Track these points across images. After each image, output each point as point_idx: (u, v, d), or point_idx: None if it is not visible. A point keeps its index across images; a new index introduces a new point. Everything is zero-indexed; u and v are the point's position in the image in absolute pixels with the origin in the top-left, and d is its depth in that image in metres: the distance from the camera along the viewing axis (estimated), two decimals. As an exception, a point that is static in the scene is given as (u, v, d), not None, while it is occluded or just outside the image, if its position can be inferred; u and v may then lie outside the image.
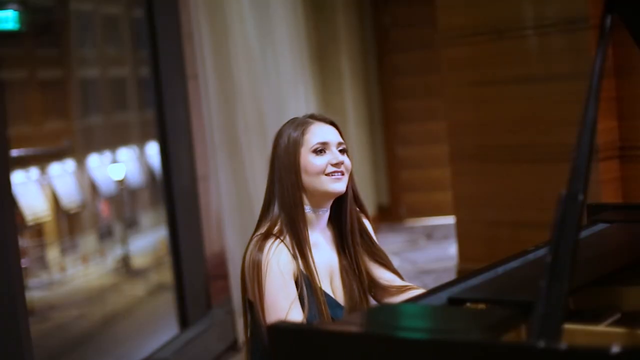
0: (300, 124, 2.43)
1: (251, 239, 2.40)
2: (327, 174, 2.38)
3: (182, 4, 5.18)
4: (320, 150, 2.38)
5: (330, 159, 2.38)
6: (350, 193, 2.46)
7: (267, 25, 5.57)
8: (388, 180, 8.69)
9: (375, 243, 2.55)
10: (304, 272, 2.35)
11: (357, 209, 2.52)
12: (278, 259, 2.32)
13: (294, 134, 2.40)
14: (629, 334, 1.79)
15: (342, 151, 2.42)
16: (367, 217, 2.56)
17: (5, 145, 3.38)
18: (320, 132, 2.40)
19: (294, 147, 2.38)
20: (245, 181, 5.21)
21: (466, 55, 4.82)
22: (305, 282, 2.35)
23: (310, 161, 2.37)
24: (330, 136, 2.40)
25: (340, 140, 2.42)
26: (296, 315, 2.30)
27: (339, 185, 2.39)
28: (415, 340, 1.64)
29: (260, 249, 2.33)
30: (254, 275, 2.32)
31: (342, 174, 2.39)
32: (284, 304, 2.29)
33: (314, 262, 2.37)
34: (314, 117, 2.45)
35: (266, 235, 2.36)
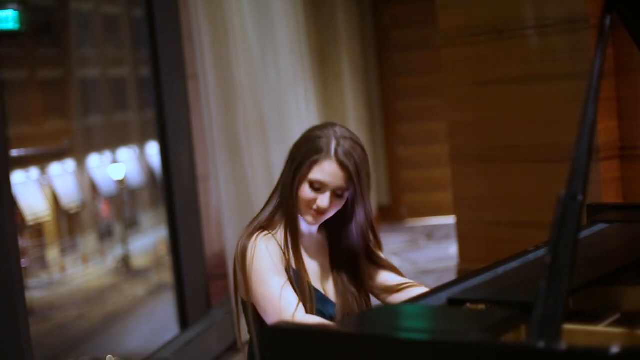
0: (323, 148, 2.38)
1: (242, 232, 2.45)
2: (309, 207, 2.39)
3: (182, 4, 5.18)
4: (316, 187, 2.38)
5: (319, 199, 2.38)
6: (359, 220, 2.44)
7: (267, 25, 5.56)
8: (388, 180, 8.69)
9: (380, 259, 2.55)
10: (294, 266, 2.39)
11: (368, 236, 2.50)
12: (267, 244, 2.38)
13: (313, 153, 2.38)
14: (628, 334, 1.79)
15: (338, 195, 2.40)
16: (379, 251, 2.55)
17: (5, 145, 3.38)
18: (328, 173, 2.38)
19: (305, 167, 2.38)
20: (245, 181, 5.21)
21: (466, 55, 4.82)
22: (294, 276, 2.37)
23: (303, 189, 2.39)
24: (333, 180, 2.38)
25: (342, 186, 2.39)
26: (289, 295, 2.32)
27: (312, 221, 2.42)
28: (415, 341, 1.64)
29: (249, 237, 2.40)
30: (242, 260, 2.37)
31: (321, 215, 2.40)
32: (275, 284, 2.33)
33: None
34: (337, 153, 2.38)
35: (256, 229, 2.42)
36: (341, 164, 2.38)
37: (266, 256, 2.35)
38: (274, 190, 2.49)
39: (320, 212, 2.39)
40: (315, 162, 2.37)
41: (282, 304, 2.30)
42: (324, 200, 2.38)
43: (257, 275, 2.34)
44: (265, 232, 2.41)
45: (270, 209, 2.46)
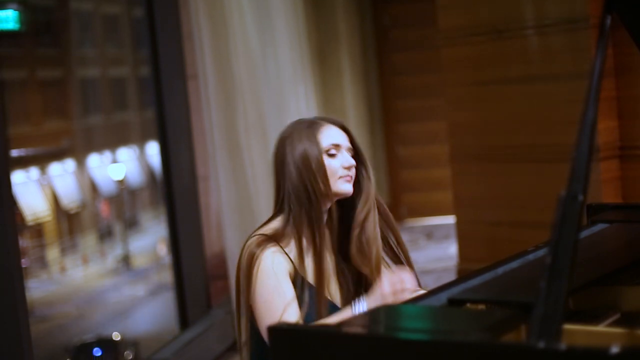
0: (310, 125, 2.40)
1: (250, 237, 2.39)
2: (339, 177, 2.38)
3: (182, 4, 5.18)
4: (332, 153, 2.38)
5: (342, 161, 2.38)
6: (368, 200, 2.42)
7: (267, 25, 5.56)
8: (388, 180, 8.68)
9: (397, 248, 2.53)
10: (310, 280, 2.34)
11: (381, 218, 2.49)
12: (273, 260, 2.31)
13: (309, 135, 2.37)
14: (628, 334, 1.79)
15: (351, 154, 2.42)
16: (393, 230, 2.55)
17: (5, 145, 3.38)
18: (333, 134, 2.39)
19: (316, 148, 2.36)
20: (245, 181, 5.21)
21: (466, 55, 4.82)
22: (301, 283, 2.33)
23: (325, 163, 2.37)
24: (342, 140, 2.40)
25: (349, 146, 2.41)
26: (291, 315, 2.27)
27: (349, 187, 2.39)
28: (416, 341, 1.64)
29: (256, 247, 2.33)
30: (247, 271, 2.32)
31: (352, 177, 2.39)
32: (278, 304, 2.28)
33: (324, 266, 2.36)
34: (327, 119, 2.43)
35: (265, 239, 2.34)
36: (336, 124, 2.42)
37: (271, 275, 2.29)
38: (277, 203, 2.41)
39: (349, 170, 2.37)
40: (317, 133, 2.37)
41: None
42: (345, 157, 2.38)
43: (260, 294, 2.29)
44: (273, 244, 2.33)
45: (281, 219, 2.38)
